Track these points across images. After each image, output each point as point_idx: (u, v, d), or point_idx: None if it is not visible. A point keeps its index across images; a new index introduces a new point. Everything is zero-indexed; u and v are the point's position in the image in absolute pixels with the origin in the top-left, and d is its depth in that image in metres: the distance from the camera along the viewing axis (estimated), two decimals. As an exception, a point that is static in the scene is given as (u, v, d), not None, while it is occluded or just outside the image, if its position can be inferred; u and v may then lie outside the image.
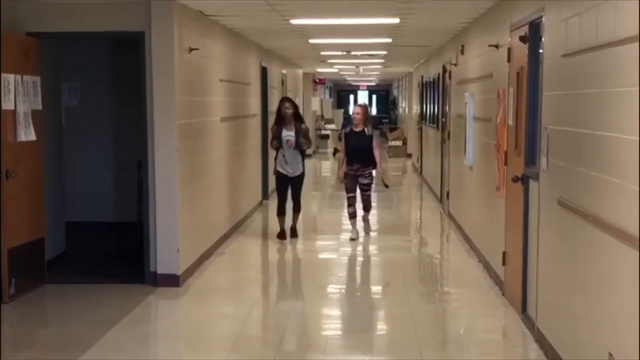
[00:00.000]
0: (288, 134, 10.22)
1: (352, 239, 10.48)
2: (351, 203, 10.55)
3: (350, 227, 10.71)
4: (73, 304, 7.45)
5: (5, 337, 6.36)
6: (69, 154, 10.21)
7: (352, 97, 43.06)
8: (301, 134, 10.27)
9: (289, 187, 10.50)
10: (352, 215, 10.61)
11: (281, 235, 10.57)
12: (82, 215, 10.77)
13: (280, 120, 10.33)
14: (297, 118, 10.38)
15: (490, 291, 7.81)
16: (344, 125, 11.08)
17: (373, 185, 10.87)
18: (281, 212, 10.57)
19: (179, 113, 8.02)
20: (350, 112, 12.09)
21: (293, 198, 10.50)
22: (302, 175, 10.50)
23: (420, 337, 6.42)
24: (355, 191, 10.52)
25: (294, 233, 10.69)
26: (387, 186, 11.42)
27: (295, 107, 10.51)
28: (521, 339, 6.36)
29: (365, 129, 10.37)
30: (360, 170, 10.41)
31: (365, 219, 10.84)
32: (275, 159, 10.45)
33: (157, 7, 7.78)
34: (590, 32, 4.78)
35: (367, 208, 10.73)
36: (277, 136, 10.27)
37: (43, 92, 7.91)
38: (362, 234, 10.77)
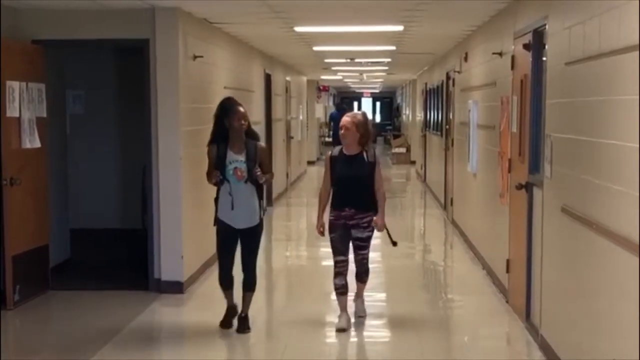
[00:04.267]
0: (236, 160, 6.46)
1: (340, 330, 6.64)
2: (341, 271, 6.72)
3: (337, 305, 6.90)
4: (77, 311, 7.45)
5: (9, 344, 6.37)
6: (74, 161, 10.24)
7: (355, 104, 43.07)
8: (257, 158, 6.51)
9: (236, 246, 6.64)
10: (342, 291, 6.76)
11: (225, 323, 6.73)
12: (86, 222, 10.78)
13: (223, 137, 6.52)
14: (249, 133, 6.60)
15: (494, 298, 7.81)
16: (333, 135, 7.32)
17: (372, 241, 6.89)
18: (226, 283, 6.72)
19: (183, 120, 8.04)
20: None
21: (245, 266, 6.62)
22: (258, 227, 6.60)
23: (424, 344, 6.41)
24: (347, 253, 6.75)
25: (243, 324, 6.64)
26: (395, 243, 7.00)
27: (248, 116, 6.72)
28: (525, 347, 6.36)
29: (365, 153, 6.69)
30: (354, 217, 6.67)
31: (359, 295, 7.12)
32: (216, 200, 6.60)
33: (162, 14, 7.81)
34: (594, 40, 4.79)
35: (362, 277, 6.95)
36: (219, 163, 6.47)
37: (48, 99, 7.93)
38: (354, 319, 6.93)
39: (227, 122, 6.48)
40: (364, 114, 6.90)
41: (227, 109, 6.54)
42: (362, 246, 6.77)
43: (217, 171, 6.42)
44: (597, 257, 4.72)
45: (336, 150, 6.80)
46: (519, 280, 6.98)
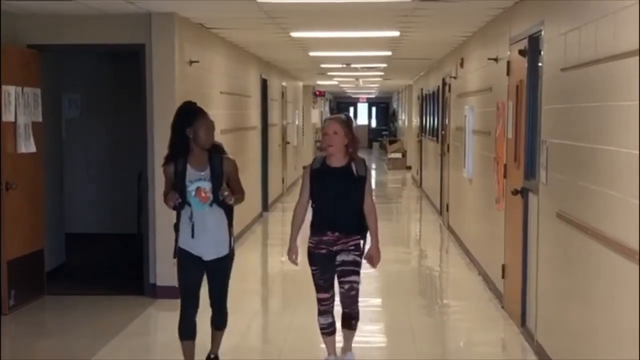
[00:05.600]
0: (198, 179, 5.36)
1: None
2: (326, 309, 5.59)
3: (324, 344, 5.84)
4: (72, 316, 7.44)
5: (4, 349, 6.35)
6: (69, 165, 10.23)
7: (352, 109, 43.10)
8: (223, 175, 5.42)
9: (202, 282, 5.59)
10: (329, 331, 5.67)
11: None
12: (82, 226, 10.78)
13: (182, 151, 5.38)
14: (214, 146, 5.49)
15: (489, 304, 7.81)
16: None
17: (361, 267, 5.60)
18: (188, 331, 5.65)
19: (179, 125, 8.02)
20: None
21: (213, 302, 5.65)
22: (228, 258, 5.54)
23: (419, 350, 6.41)
24: (333, 287, 5.58)
25: None
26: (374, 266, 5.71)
27: (213, 125, 5.55)
28: (521, 352, 6.36)
29: (353, 165, 5.50)
30: (338, 242, 5.49)
31: (348, 348, 5.83)
32: (176, 227, 5.52)
33: (158, 19, 7.81)
34: (590, 46, 4.80)
35: (350, 321, 5.65)
36: (177, 183, 5.36)
37: (43, 104, 7.93)
38: (347, 358, 5.82)
39: (190, 132, 5.33)
40: (349, 116, 5.70)
41: (192, 116, 5.39)
42: (349, 271, 5.45)
43: (176, 193, 5.29)
44: (592, 263, 4.73)
45: (317, 161, 5.57)
46: (514, 286, 6.98)
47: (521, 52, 6.81)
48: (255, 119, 13.59)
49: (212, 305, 5.68)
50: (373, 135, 41.65)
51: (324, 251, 5.52)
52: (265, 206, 14.58)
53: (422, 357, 6.24)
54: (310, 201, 5.59)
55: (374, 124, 44.37)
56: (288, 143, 18.70)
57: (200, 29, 9.10)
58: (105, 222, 11.14)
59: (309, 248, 5.58)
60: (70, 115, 10.77)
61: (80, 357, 6.10)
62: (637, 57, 3.92)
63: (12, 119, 7.32)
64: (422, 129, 19.05)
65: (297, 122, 21.52)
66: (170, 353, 6.56)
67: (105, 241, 10.83)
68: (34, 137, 7.67)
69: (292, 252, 5.62)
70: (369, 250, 5.57)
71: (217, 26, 9.43)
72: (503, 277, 7.55)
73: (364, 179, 5.50)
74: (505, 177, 7.49)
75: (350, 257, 5.48)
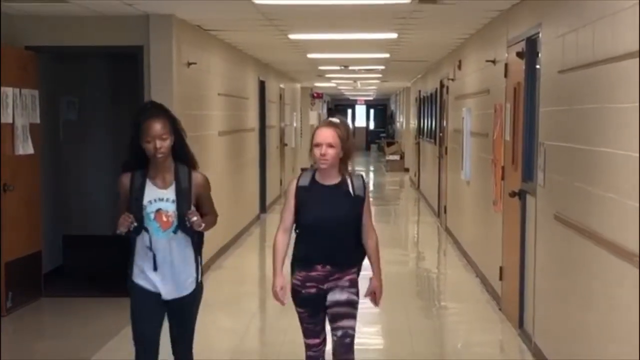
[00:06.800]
0: (160, 198, 4.35)
1: None
2: (316, 356, 4.69)
3: None
4: (70, 318, 7.43)
5: (2, 351, 6.34)
6: (67, 167, 10.22)
7: (350, 111, 43.10)
8: (191, 194, 4.40)
9: (161, 324, 4.55)
10: None
11: None
12: (79, 228, 10.74)
13: (141, 162, 4.34)
14: (181, 157, 4.41)
15: (487, 306, 7.81)
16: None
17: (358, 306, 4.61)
18: None
19: (177, 127, 8.02)
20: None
21: (175, 349, 4.68)
22: (195, 296, 4.60)
23: (417, 351, 6.41)
24: (323, 330, 4.63)
25: None
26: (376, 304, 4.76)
27: (178, 130, 4.38)
28: (518, 354, 6.36)
29: (349, 182, 4.48)
30: (330, 278, 4.49)
31: None
32: (130, 257, 4.50)
33: (156, 21, 7.81)
34: (587, 48, 4.80)
35: None
36: (134, 203, 4.35)
37: (41, 105, 7.93)
38: None
39: (148, 139, 4.23)
40: (344, 122, 4.55)
41: (136, 121, 4.27)
42: (343, 314, 4.45)
43: (130, 215, 4.25)
44: (590, 265, 4.73)
45: (306, 177, 4.50)
46: (512, 288, 6.98)
47: (519, 54, 6.81)
48: (253, 121, 13.59)
49: (175, 350, 4.64)
50: (371, 137, 41.69)
51: (313, 290, 4.46)
52: (263, 208, 14.58)
53: (420, 358, 6.24)
54: (294, 226, 4.51)
55: (372, 126, 44.37)
56: (286, 145, 18.70)
57: (198, 30, 9.10)
58: (103, 224, 11.11)
59: (295, 287, 4.51)
60: (68, 117, 10.75)
61: (77, 359, 6.09)
62: (636, 59, 3.93)
63: (10, 121, 7.32)
64: (420, 131, 19.06)
65: (295, 124, 21.53)
66: (167, 354, 6.55)
67: (102, 243, 10.80)
68: (32, 138, 7.67)
69: (278, 288, 4.49)
70: (370, 285, 4.60)
71: (215, 28, 9.43)
72: (501, 279, 7.55)
73: (362, 200, 4.48)
74: (503, 179, 7.49)
75: (344, 297, 4.44)
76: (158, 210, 4.32)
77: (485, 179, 8.54)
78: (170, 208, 4.33)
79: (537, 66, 6.27)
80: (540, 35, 6.12)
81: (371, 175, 25.88)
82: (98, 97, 11.05)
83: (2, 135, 7.23)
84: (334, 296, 4.45)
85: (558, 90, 5.55)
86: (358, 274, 4.59)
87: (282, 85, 18.13)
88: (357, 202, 4.47)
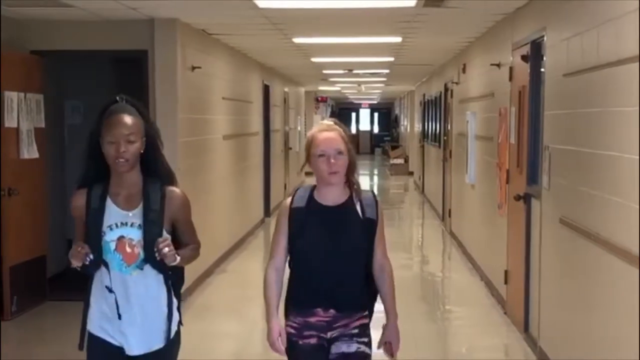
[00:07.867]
0: (124, 222, 3.37)
1: None
2: None
3: None
4: (74, 322, 7.38)
5: (6, 355, 6.34)
6: (71, 171, 10.22)
7: (354, 115, 43.10)
8: (161, 218, 3.38)
9: None
10: None
11: None
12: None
13: (96, 175, 3.50)
14: (154, 169, 3.43)
15: (492, 310, 7.79)
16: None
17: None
18: None
19: (182, 131, 8.04)
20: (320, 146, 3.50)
21: None
22: (170, 350, 3.48)
23: (422, 356, 6.39)
24: None
25: None
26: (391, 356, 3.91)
27: (152, 135, 3.44)
28: (523, 358, 6.34)
29: (357, 201, 3.54)
30: (335, 325, 3.56)
31: None
32: (86, 300, 3.83)
33: (161, 25, 7.82)
34: (592, 52, 4.80)
35: None
36: (90, 229, 3.38)
37: (46, 110, 7.93)
38: None
39: (112, 143, 3.35)
40: (338, 122, 3.61)
41: (98, 119, 3.48)
42: None
43: (85, 245, 3.32)
44: (595, 269, 4.72)
45: (301, 197, 3.57)
46: (517, 292, 6.97)
47: (523, 58, 6.81)
48: (257, 125, 13.60)
49: None
50: (375, 141, 41.66)
51: (312, 341, 3.52)
52: (267, 212, 14.58)
53: (425, 363, 6.23)
54: (289, 259, 3.59)
55: (376, 129, 44.35)
56: (290, 149, 18.72)
57: (202, 34, 9.10)
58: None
59: (288, 335, 3.55)
60: (72, 121, 10.77)
61: (82, 363, 6.08)
62: (638, 63, 3.92)
63: (15, 125, 7.33)
64: (424, 134, 19.06)
65: (299, 128, 21.54)
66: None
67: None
68: (37, 143, 7.67)
69: (274, 335, 3.54)
70: (384, 333, 3.76)
71: (219, 32, 9.43)
72: (506, 282, 7.54)
73: (374, 223, 3.54)
74: (507, 182, 7.48)
75: (352, 348, 3.57)
76: (120, 239, 3.33)
77: (490, 183, 8.53)
78: (136, 236, 3.32)
79: (542, 69, 6.27)
80: (545, 38, 6.11)
81: (375, 179, 25.87)
82: (103, 101, 11.05)
83: (7, 139, 7.23)
84: (340, 348, 3.54)
85: (563, 93, 5.54)
86: (370, 318, 3.68)
87: (286, 89, 18.14)
88: (369, 227, 3.52)
